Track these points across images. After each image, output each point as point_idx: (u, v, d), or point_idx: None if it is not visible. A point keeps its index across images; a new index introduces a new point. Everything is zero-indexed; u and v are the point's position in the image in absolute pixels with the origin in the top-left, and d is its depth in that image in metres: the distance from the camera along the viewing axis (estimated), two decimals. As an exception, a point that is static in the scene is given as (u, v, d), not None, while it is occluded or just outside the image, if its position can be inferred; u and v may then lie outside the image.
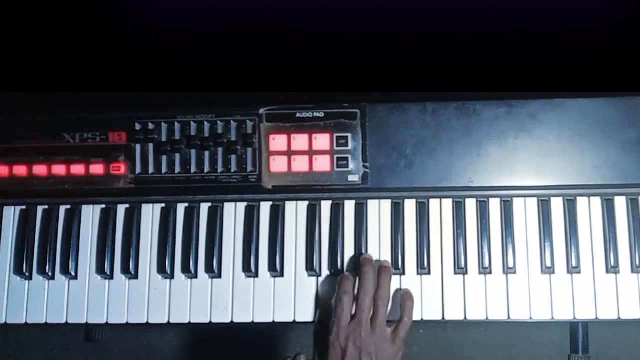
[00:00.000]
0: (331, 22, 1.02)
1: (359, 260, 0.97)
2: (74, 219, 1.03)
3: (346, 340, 0.89)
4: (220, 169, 1.01)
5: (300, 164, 1.00)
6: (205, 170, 1.01)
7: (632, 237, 0.97)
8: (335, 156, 1.00)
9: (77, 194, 1.02)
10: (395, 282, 0.98)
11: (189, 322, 0.99)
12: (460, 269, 0.98)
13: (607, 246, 0.97)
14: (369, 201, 1.01)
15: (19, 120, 1.04)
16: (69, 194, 1.03)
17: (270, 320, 0.98)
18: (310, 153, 1.00)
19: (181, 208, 1.03)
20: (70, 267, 1.02)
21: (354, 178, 0.99)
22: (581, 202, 0.99)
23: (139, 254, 1.02)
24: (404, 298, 0.95)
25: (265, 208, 1.02)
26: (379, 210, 1.01)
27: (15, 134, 1.04)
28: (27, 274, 1.02)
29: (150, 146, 1.02)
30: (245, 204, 1.02)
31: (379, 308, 0.92)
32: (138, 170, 1.02)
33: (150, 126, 1.02)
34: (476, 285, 0.98)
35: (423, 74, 1.02)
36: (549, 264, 0.97)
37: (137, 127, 1.02)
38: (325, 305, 0.97)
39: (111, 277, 1.01)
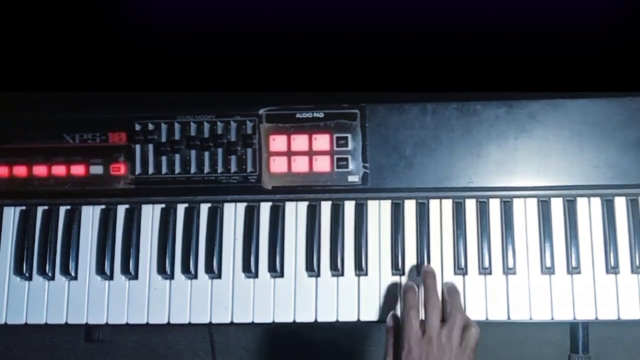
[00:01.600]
0: (331, 22, 1.02)
1: (422, 270, 0.96)
2: (73, 219, 1.03)
3: (419, 356, 0.87)
4: (220, 169, 1.01)
5: (300, 165, 1.00)
6: (205, 171, 1.01)
7: (632, 237, 0.97)
8: (335, 156, 1.00)
9: (77, 194, 1.02)
10: (394, 283, 0.98)
11: (189, 323, 0.99)
12: (460, 269, 0.98)
13: (607, 246, 0.97)
14: (369, 201, 1.01)
15: (19, 120, 1.04)
16: (69, 195, 1.03)
17: (270, 320, 0.98)
18: (310, 153, 1.00)
19: (181, 208, 1.03)
20: (70, 267, 1.02)
21: (353, 178, 0.99)
22: (581, 203, 0.99)
23: (139, 254, 1.02)
24: (454, 310, 0.92)
25: (265, 208, 1.02)
26: (379, 211, 1.01)
27: (15, 134, 1.04)
28: (27, 275, 1.02)
29: (150, 146, 1.02)
30: (245, 204, 1.02)
31: (454, 322, 0.89)
32: (138, 170, 1.02)
33: (150, 126, 1.02)
34: (476, 285, 0.98)
35: (423, 74, 1.02)
36: (548, 264, 0.97)
37: (137, 127, 1.02)
38: (394, 318, 0.94)
39: (111, 277, 1.02)
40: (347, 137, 1.00)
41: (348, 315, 0.98)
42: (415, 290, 0.94)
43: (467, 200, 1.00)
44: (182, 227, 1.02)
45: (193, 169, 1.01)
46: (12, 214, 1.04)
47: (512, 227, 0.98)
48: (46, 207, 1.04)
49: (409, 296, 0.92)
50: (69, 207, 1.04)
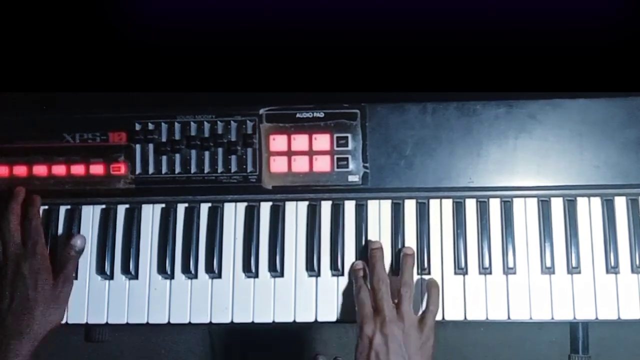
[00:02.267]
0: (331, 22, 1.02)
1: (368, 249, 0.98)
2: (74, 219, 1.03)
3: (372, 329, 0.89)
4: (220, 169, 1.01)
5: (300, 164, 1.00)
6: (205, 171, 1.01)
7: (632, 237, 0.97)
8: (335, 156, 1.00)
9: (77, 194, 1.02)
10: (394, 282, 0.97)
11: (189, 323, 0.99)
12: (460, 269, 0.98)
13: (607, 246, 0.97)
14: (369, 201, 1.01)
15: (19, 120, 1.04)
16: (69, 194, 1.02)
17: (270, 320, 0.98)
18: (310, 153, 1.00)
19: (181, 208, 1.03)
20: (70, 267, 1.01)
21: (354, 178, 0.99)
22: (581, 202, 0.99)
23: (139, 254, 1.02)
24: (429, 286, 0.96)
25: (265, 208, 1.02)
26: (379, 211, 1.01)
27: (15, 134, 1.04)
28: (27, 274, 1.02)
29: (150, 146, 1.02)
30: (245, 204, 1.02)
31: (403, 295, 0.92)
32: (138, 170, 1.02)
33: (150, 126, 1.02)
34: (476, 285, 0.98)
35: (423, 74, 1.02)
36: (549, 264, 0.97)
37: (137, 127, 1.02)
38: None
39: (111, 277, 1.01)
40: (347, 137, 1.00)
41: (348, 315, 0.97)
42: (362, 268, 0.97)
43: (467, 200, 1.00)
44: (182, 227, 1.02)
45: (193, 169, 1.01)
46: (12, 214, 1.04)
47: (512, 226, 0.98)
48: (46, 207, 1.04)
49: (355, 275, 0.96)
50: (69, 206, 1.04)
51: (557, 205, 0.99)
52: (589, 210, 0.99)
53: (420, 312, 0.94)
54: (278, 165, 1.00)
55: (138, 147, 1.02)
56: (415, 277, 0.98)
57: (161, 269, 1.01)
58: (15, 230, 0.98)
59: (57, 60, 1.05)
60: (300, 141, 1.00)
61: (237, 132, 1.01)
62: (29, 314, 0.93)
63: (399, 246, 0.99)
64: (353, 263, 0.98)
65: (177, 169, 1.01)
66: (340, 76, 1.04)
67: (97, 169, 1.02)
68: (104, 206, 1.03)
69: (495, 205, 1.00)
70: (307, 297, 0.99)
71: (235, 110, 1.02)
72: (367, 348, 0.89)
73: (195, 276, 1.00)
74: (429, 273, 0.98)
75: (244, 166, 1.00)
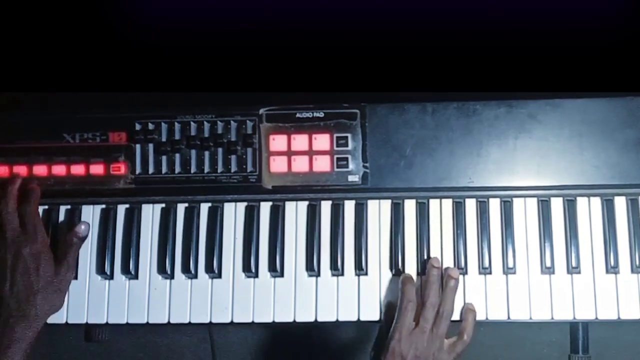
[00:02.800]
0: (331, 22, 1.02)
1: (427, 264, 0.97)
2: (74, 219, 1.03)
3: (407, 348, 0.90)
4: (220, 169, 1.01)
5: (300, 164, 1.00)
6: (205, 171, 1.01)
7: (632, 237, 0.97)
8: (335, 156, 1.00)
9: (77, 194, 1.02)
10: (395, 282, 0.98)
11: (189, 323, 0.99)
12: (460, 269, 0.98)
13: (607, 246, 0.97)
14: (369, 201, 1.01)
15: (19, 120, 1.04)
16: (69, 194, 1.03)
17: (270, 320, 0.98)
18: (310, 153, 1.00)
19: (181, 208, 1.03)
20: (70, 267, 1.02)
21: (354, 178, 0.99)
22: (581, 202, 0.99)
23: (139, 254, 1.02)
24: (466, 314, 0.95)
25: (265, 208, 1.02)
26: (379, 211, 1.01)
27: (15, 134, 1.04)
28: (27, 274, 1.02)
29: (150, 146, 1.02)
30: (245, 204, 1.02)
31: (442, 321, 0.92)
32: (138, 170, 1.02)
33: (150, 126, 1.02)
34: (476, 285, 0.98)
35: (423, 74, 1.02)
36: (548, 264, 0.97)
37: (137, 127, 1.02)
38: (390, 306, 0.97)
39: (111, 277, 1.02)
40: (347, 137, 1.00)
41: (348, 315, 0.98)
42: (413, 282, 0.95)
43: (467, 200, 1.00)
44: (182, 227, 1.02)
45: (193, 169, 1.01)
46: (12, 214, 1.04)
47: (512, 226, 0.98)
48: (46, 207, 1.04)
49: (407, 288, 0.94)
50: (69, 206, 1.04)
51: (557, 205, 0.99)
52: (589, 210, 0.99)
53: (453, 338, 0.93)
54: (278, 165, 1.00)
55: (138, 147, 1.02)
56: (416, 278, 0.98)
57: (161, 269, 1.01)
58: (13, 213, 0.98)
59: (57, 60, 1.05)
60: (300, 141, 1.00)
61: (237, 132, 1.01)
62: (32, 298, 0.94)
63: (399, 246, 0.99)
64: (406, 274, 0.97)
65: (177, 169, 1.01)
66: (340, 76, 1.03)
67: (97, 169, 1.02)
68: (104, 206, 1.03)
69: (495, 205, 1.00)
70: (307, 297, 0.99)
71: (235, 110, 1.02)
72: None
73: (195, 276, 1.00)
74: (428, 273, 0.98)
75: (244, 166, 1.01)
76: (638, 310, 0.96)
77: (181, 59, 1.05)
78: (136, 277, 1.01)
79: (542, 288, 0.97)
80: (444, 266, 0.98)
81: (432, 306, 0.93)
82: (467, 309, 0.95)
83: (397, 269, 0.99)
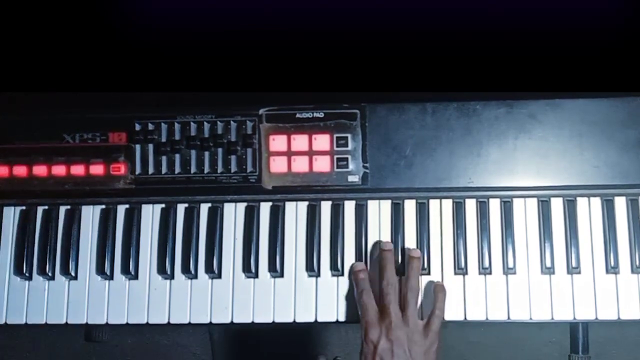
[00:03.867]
0: (331, 22, 1.02)
1: (379, 249, 0.97)
2: (73, 219, 1.03)
3: (378, 334, 0.89)
4: (220, 169, 1.01)
5: (300, 165, 1.00)
6: (205, 171, 1.01)
7: (632, 237, 0.97)
8: (335, 156, 1.00)
9: (77, 194, 1.02)
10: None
11: (189, 323, 0.99)
12: (460, 269, 0.98)
13: (607, 246, 0.97)
14: (369, 201, 1.01)
15: (19, 120, 1.04)
16: (69, 194, 1.03)
17: (270, 320, 0.98)
18: (310, 153, 1.00)
19: (181, 208, 1.03)
20: (70, 267, 1.02)
21: (354, 178, 0.99)
22: (581, 202, 0.99)
23: (139, 254, 1.02)
24: (435, 290, 0.95)
25: (265, 208, 1.02)
26: (379, 211, 1.01)
27: (15, 134, 1.04)
28: (27, 275, 1.02)
29: (150, 146, 1.02)
30: (245, 204, 1.02)
31: (409, 299, 0.92)
32: (138, 170, 1.02)
33: (150, 126, 1.02)
34: (476, 285, 0.98)
35: (423, 74, 1.02)
36: (548, 264, 0.97)
37: (137, 127, 1.02)
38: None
39: (111, 277, 1.01)
40: (347, 137, 0.99)
41: (348, 315, 0.97)
42: (363, 271, 0.96)
43: (467, 200, 1.00)
44: (182, 227, 1.02)
45: (193, 169, 1.01)
46: (12, 214, 1.04)
47: (512, 227, 0.98)
48: (46, 207, 1.04)
49: (357, 278, 0.95)
50: (69, 207, 1.04)
51: (557, 205, 0.99)
52: (589, 210, 0.99)
53: (426, 318, 0.93)
54: (278, 165, 1.00)
55: (138, 147, 1.02)
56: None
57: (161, 269, 1.01)
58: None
59: (57, 60, 1.05)
60: (300, 141, 1.00)
61: (237, 132, 1.01)
62: None
63: (399, 247, 0.99)
64: (353, 264, 0.98)
65: (177, 169, 1.01)
66: (340, 76, 1.03)
67: (97, 169, 1.02)
68: (104, 206, 1.03)
69: (495, 206, 1.00)
70: (307, 297, 0.99)
71: (235, 110, 1.02)
72: (372, 353, 0.88)
73: (195, 276, 1.00)
74: (428, 273, 0.98)
75: (244, 166, 1.00)
76: (638, 310, 0.96)
77: (181, 59, 1.05)
78: (136, 277, 1.01)
79: (542, 288, 0.97)
80: (444, 266, 0.98)
81: (390, 284, 0.92)
82: (436, 286, 0.95)
83: (397, 269, 0.98)
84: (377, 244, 0.99)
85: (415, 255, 0.96)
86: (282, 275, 1.00)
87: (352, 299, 0.97)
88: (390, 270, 0.94)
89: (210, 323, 0.99)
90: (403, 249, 0.99)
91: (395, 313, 0.90)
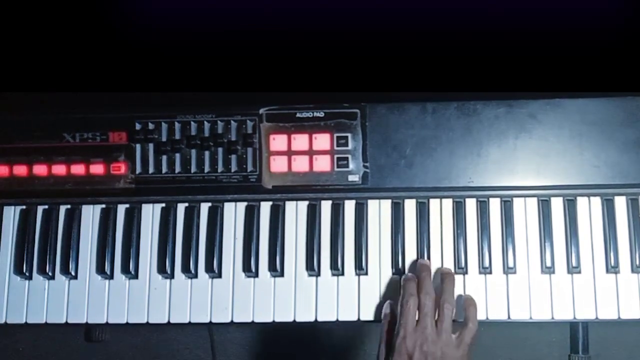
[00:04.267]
0: (331, 22, 1.02)
1: (417, 264, 0.97)
2: (74, 219, 1.03)
3: (413, 344, 0.89)
4: (220, 169, 1.01)
5: (301, 164, 1.00)
6: (205, 170, 1.01)
7: (632, 237, 0.97)
8: (336, 156, 1.00)
9: (77, 194, 1.02)
10: (395, 282, 0.98)
11: (189, 322, 0.99)
12: (461, 268, 0.98)
13: (607, 246, 0.97)
14: (369, 201, 1.01)
15: (19, 120, 1.04)
16: (69, 194, 1.03)
17: (270, 320, 0.98)
18: (311, 153, 1.00)
19: (181, 208, 1.03)
20: (70, 267, 1.01)
21: (354, 178, 0.99)
22: (581, 202, 0.99)
23: (139, 253, 1.02)
24: (466, 304, 0.94)
25: (265, 208, 1.02)
26: (379, 210, 1.01)
27: (15, 134, 1.04)
28: (27, 274, 1.02)
29: (151, 146, 1.02)
30: (245, 204, 1.02)
31: (445, 313, 0.91)
32: (138, 170, 1.02)
33: (150, 126, 1.02)
34: (476, 285, 0.98)
35: (423, 74, 1.02)
36: (549, 263, 0.97)
37: (137, 127, 1.02)
38: (391, 306, 0.96)
39: (111, 277, 1.01)
40: (347, 137, 1.00)
41: (348, 314, 0.98)
42: (414, 280, 0.94)
43: (467, 200, 1.00)
44: (182, 227, 1.02)
45: (193, 169, 1.01)
46: (12, 214, 1.04)
47: (512, 226, 0.98)
48: (46, 207, 1.04)
49: (408, 285, 0.93)
50: (69, 206, 1.04)
51: (557, 205, 0.99)
52: (589, 210, 0.99)
53: (459, 330, 0.92)
54: (278, 165, 1.00)
55: (138, 146, 1.02)
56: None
57: (161, 269, 1.01)
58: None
59: (58, 60, 1.05)
60: (300, 141, 1.00)
61: (237, 132, 1.01)
62: None
63: (399, 246, 0.99)
64: (408, 274, 0.96)
65: (177, 169, 1.01)
66: (340, 76, 1.04)
67: (97, 169, 1.02)
68: (104, 206, 1.03)
69: (495, 205, 1.00)
70: (307, 296, 0.99)
71: (235, 110, 1.02)
72: None
73: (195, 276, 1.00)
74: (429, 273, 0.98)
75: (244, 166, 1.01)
76: (638, 310, 0.96)
77: (181, 59, 1.05)
78: (136, 276, 1.01)
79: (543, 288, 0.97)
80: (444, 265, 0.98)
81: (428, 296, 0.92)
82: (467, 300, 0.95)
83: (397, 268, 0.99)
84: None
85: (448, 272, 0.96)
86: (282, 275, 1.00)
87: (352, 299, 0.97)
88: (428, 282, 0.93)
89: (210, 323, 0.99)
90: (403, 248, 0.99)
91: (431, 326, 0.90)
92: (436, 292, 0.93)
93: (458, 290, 0.97)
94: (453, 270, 0.98)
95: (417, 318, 0.91)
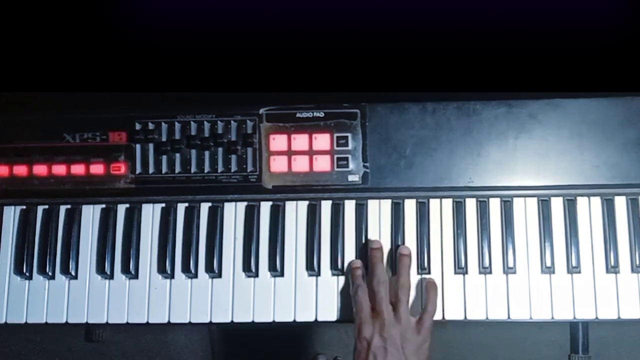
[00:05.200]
0: (331, 22, 1.02)
1: (368, 249, 0.98)
2: (74, 218, 1.03)
3: (371, 331, 0.89)
4: (220, 168, 1.01)
5: (301, 164, 1.00)
6: (206, 170, 1.01)
7: (632, 237, 0.97)
8: (336, 156, 1.00)
9: (77, 194, 1.02)
10: (392, 283, 0.98)
11: (189, 322, 0.99)
12: (460, 268, 0.98)
13: (607, 246, 0.97)
14: (369, 201, 1.01)
15: (19, 120, 1.04)
16: (69, 194, 1.03)
17: (270, 320, 0.98)
18: (311, 153, 1.00)
19: (181, 208, 1.03)
20: (70, 267, 1.02)
21: (354, 178, 0.99)
22: (581, 202, 0.99)
23: (139, 253, 1.02)
24: (427, 287, 0.95)
25: (265, 208, 1.02)
26: (379, 210, 1.01)
27: (15, 134, 1.04)
28: (27, 274, 1.02)
29: (151, 146, 1.02)
30: (245, 203, 1.02)
31: (400, 296, 0.92)
32: (138, 170, 1.02)
33: (150, 126, 1.02)
34: (476, 285, 0.98)
35: (423, 74, 1.02)
36: (549, 263, 0.97)
37: (137, 127, 1.02)
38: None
39: (111, 277, 1.01)
40: (347, 137, 1.00)
41: (348, 314, 0.97)
42: (361, 267, 0.96)
43: (467, 200, 1.00)
44: (183, 227, 1.02)
45: (193, 169, 1.01)
46: (12, 214, 1.04)
47: (512, 226, 0.98)
48: (46, 207, 1.04)
49: (354, 274, 0.95)
50: (69, 206, 1.04)
51: (557, 205, 0.99)
52: (589, 210, 0.99)
53: (418, 315, 0.93)
54: (278, 165, 1.00)
55: (138, 146, 1.02)
56: (416, 277, 0.98)
57: (161, 269, 1.01)
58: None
59: (58, 60, 1.05)
60: (300, 141, 1.00)
61: (237, 132, 1.01)
62: None
63: (400, 245, 0.99)
64: (351, 261, 0.98)
65: (177, 169, 1.01)
66: (340, 76, 1.03)
67: (97, 169, 1.02)
68: (104, 206, 1.03)
69: (495, 205, 1.00)
70: (307, 296, 0.99)
71: (236, 109, 1.02)
72: (365, 350, 0.89)
73: (196, 276, 1.00)
74: (429, 273, 0.98)
75: (244, 166, 1.01)
76: (638, 310, 0.96)
77: (181, 59, 1.05)
78: (136, 276, 1.01)
79: (542, 288, 0.97)
80: (444, 266, 0.98)
81: (380, 282, 0.93)
82: (428, 283, 0.96)
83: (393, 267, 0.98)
84: (367, 243, 0.99)
85: (405, 252, 0.97)
86: (282, 275, 1.00)
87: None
88: (379, 268, 0.95)
89: (211, 322, 0.99)
90: (403, 249, 0.99)
91: (387, 311, 0.91)
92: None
93: (456, 288, 0.97)
94: (453, 270, 0.98)
95: (372, 305, 0.92)
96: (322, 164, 1.00)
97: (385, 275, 0.94)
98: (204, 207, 1.02)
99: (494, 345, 1.05)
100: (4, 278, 1.02)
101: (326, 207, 1.01)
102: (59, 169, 1.02)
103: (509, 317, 0.96)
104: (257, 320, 0.98)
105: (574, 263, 0.97)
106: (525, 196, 0.99)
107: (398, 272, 0.95)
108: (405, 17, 1.02)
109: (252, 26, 1.03)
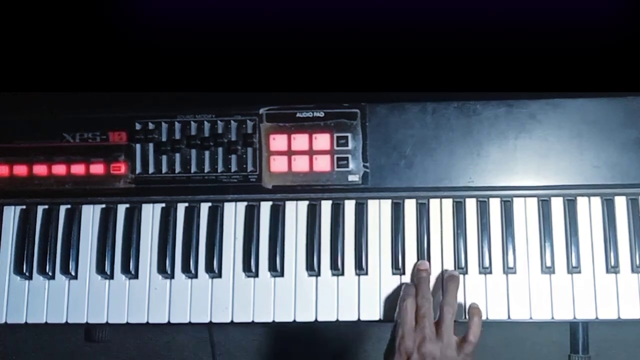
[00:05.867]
0: (331, 22, 1.02)
1: (414, 267, 0.98)
2: (74, 218, 1.03)
3: (411, 345, 0.89)
4: (220, 168, 1.01)
5: (301, 164, 1.00)
6: (206, 170, 1.01)
7: (632, 237, 0.97)
8: (336, 156, 1.00)
9: (77, 193, 1.02)
10: (395, 282, 0.98)
11: (189, 322, 0.99)
12: (460, 268, 0.98)
13: (607, 246, 0.97)
14: (369, 201, 1.01)
15: (19, 120, 1.04)
16: (69, 194, 1.03)
17: (270, 320, 0.98)
18: (311, 153, 1.00)
19: (181, 208, 1.03)
20: (70, 267, 1.01)
21: (354, 178, 0.99)
22: (581, 202, 0.99)
23: (139, 253, 1.02)
24: (471, 313, 0.93)
25: (265, 208, 1.02)
26: (379, 210, 1.01)
27: (15, 134, 1.04)
28: (27, 274, 1.02)
29: (151, 146, 1.02)
30: (245, 203, 1.02)
31: (445, 315, 0.91)
32: (138, 170, 1.02)
33: (151, 126, 1.02)
34: (476, 285, 0.98)
35: (423, 74, 1.02)
36: (549, 263, 0.97)
37: (137, 127, 1.02)
38: (392, 309, 0.96)
39: (111, 277, 1.01)
40: (347, 137, 1.00)
41: (348, 314, 0.98)
42: (412, 285, 0.95)
43: (467, 200, 1.00)
44: (183, 227, 1.02)
45: (193, 169, 1.01)
46: (12, 214, 1.04)
47: (513, 226, 0.98)
48: (46, 207, 1.04)
49: (405, 287, 0.94)
50: (69, 206, 1.04)
51: (557, 205, 0.99)
52: (589, 210, 0.99)
53: (461, 336, 0.91)
54: (278, 164, 1.00)
55: (138, 146, 1.02)
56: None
57: (161, 269, 1.01)
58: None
59: (58, 60, 1.05)
60: (300, 141, 1.00)
61: (237, 132, 1.01)
62: None
63: (399, 246, 0.99)
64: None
65: (177, 169, 1.01)
66: (340, 76, 1.04)
67: (97, 169, 1.02)
68: (104, 206, 1.03)
69: (495, 205, 1.00)
70: (307, 296, 0.99)
71: (235, 110, 1.02)
72: None
73: (196, 276, 1.00)
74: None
75: (244, 166, 1.01)
76: (638, 310, 0.95)
77: (181, 59, 1.05)
78: (136, 276, 1.01)
79: (543, 288, 0.97)
80: (444, 266, 0.98)
81: (424, 298, 0.92)
82: (472, 309, 0.94)
83: (397, 268, 0.98)
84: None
85: (455, 274, 0.96)
86: (282, 275, 1.00)
87: (352, 299, 0.97)
88: (425, 286, 0.94)
89: (211, 323, 0.99)
90: (403, 248, 0.99)
91: (429, 327, 0.90)
92: (437, 294, 0.93)
93: (459, 292, 0.97)
94: (458, 275, 0.97)
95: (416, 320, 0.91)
96: (322, 164, 1.00)
97: (429, 293, 0.93)
98: (204, 207, 1.02)
99: (494, 345, 1.05)
100: (4, 278, 1.02)
101: (326, 207, 1.01)
102: (59, 169, 1.02)
103: (509, 317, 0.96)
104: (257, 320, 0.98)
105: (574, 263, 0.97)
106: (525, 196, 0.99)
107: (446, 290, 0.94)
108: (405, 17, 1.02)
109: (252, 26, 1.03)
